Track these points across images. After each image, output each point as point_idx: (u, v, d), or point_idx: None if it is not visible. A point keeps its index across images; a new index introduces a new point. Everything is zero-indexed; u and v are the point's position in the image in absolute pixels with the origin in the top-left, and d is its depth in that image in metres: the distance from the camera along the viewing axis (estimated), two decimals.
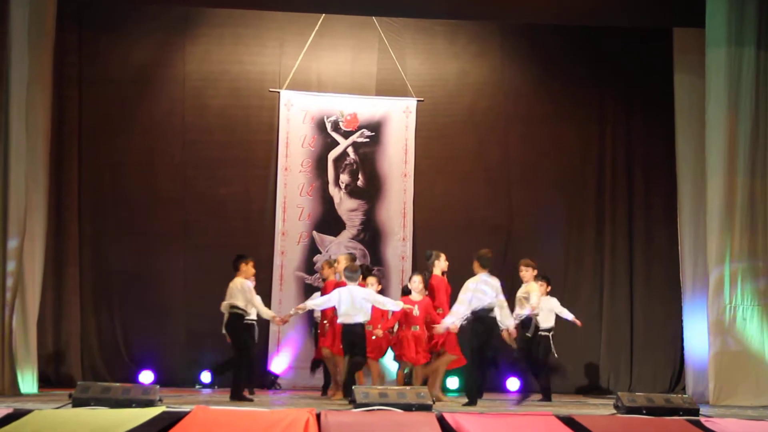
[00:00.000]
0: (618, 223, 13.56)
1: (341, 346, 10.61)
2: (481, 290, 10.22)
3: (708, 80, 11.61)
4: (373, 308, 10.65)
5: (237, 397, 10.09)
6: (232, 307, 10.25)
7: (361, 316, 10.26)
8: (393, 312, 10.72)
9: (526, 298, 10.98)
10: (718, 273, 11.40)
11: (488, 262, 10.40)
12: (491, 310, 10.26)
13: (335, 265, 11.54)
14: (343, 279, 10.67)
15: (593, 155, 13.77)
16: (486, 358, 10.46)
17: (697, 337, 12.01)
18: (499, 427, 7.84)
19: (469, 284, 10.28)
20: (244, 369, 10.45)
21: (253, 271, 10.59)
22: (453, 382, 12.38)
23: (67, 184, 12.70)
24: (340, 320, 10.34)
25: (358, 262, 12.74)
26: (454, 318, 10.29)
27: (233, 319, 10.33)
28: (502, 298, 10.36)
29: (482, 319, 10.23)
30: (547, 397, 11.21)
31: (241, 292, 10.24)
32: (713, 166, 11.52)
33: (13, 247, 10.68)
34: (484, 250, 10.51)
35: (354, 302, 10.21)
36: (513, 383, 12.36)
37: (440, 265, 11.10)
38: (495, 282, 10.31)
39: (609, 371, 13.20)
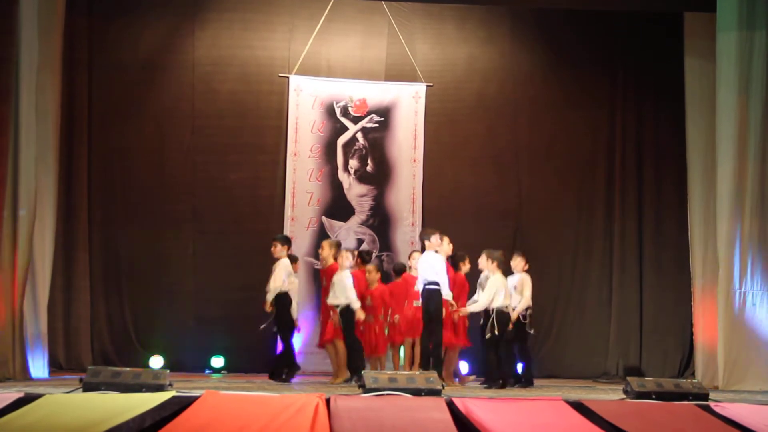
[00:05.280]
0: (627, 208, 13.51)
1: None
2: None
3: (718, 65, 11.58)
4: (379, 297, 11.19)
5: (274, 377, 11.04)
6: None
7: (342, 300, 10.86)
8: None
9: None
10: (728, 258, 11.39)
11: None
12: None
13: (320, 251, 11.62)
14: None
15: (603, 141, 13.72)
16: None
17: (706, 323, 12.02)
18: (508, 411, 7.85)
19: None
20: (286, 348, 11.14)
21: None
22: (464, 366, 12.38)
23: (77, 169, 12.69)
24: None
25: (366, 247, 12.81)
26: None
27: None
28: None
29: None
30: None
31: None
32: (724, 152, 11.50)
33: (23, 232, 10.70)
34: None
35: (335, 286, 10.89)
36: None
37: (443, 249, 11.05)
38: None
39: (618, 356, 13.18)
